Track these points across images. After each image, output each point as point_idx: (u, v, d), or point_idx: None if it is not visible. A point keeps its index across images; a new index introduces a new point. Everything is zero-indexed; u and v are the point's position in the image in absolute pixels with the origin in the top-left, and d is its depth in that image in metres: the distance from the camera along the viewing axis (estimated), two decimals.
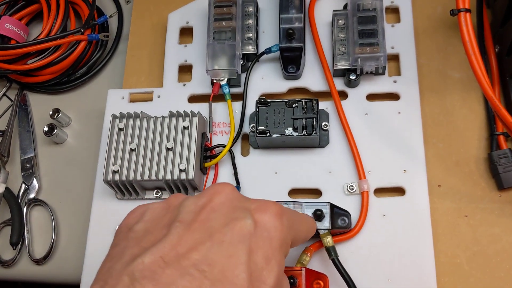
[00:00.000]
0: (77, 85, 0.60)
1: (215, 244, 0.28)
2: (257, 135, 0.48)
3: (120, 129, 0.49)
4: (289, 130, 0.48)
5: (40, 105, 0.61)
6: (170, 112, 0.49)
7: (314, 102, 0.48)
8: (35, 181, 0.57)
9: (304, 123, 0.48)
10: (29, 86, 0.61)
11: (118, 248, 0.30)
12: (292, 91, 0.53)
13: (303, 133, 0.47)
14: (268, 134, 0.48)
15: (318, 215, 0.44)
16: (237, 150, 0.51)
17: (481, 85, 0.41)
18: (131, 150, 0.48)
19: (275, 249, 0.30)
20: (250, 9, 0.54)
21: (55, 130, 0.56)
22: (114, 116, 0.49)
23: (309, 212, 0.44)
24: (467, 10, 0.42)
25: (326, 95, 0.52)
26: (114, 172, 0.48)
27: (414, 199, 0.47)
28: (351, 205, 0.47)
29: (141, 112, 0.50)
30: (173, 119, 0.49)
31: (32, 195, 0.56)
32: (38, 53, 0.58)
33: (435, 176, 0.49)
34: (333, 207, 0.45)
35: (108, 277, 0.27)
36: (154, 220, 0.31)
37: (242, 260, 0.28)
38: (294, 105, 0.48)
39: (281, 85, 0.53)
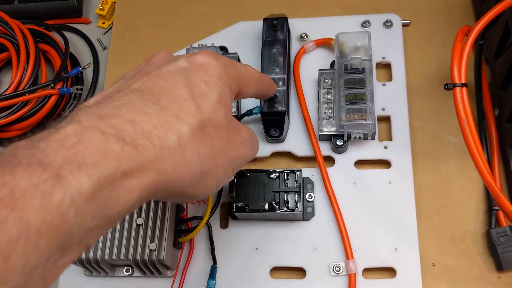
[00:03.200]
0: None
1: (152, 76, 0.29)
2: (235, 211, 0.44)
3: None
4: (270, 206, 0.44)
5: None
6: None
7: (297, 173, 0.44)
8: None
9: (286, 197, 0.44)
10: None
11: None
12: (275, 154, 0.50)
13: (285, 208, 0.44)
14: (247, 210, 0.44)
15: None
16: (215, 221, 0.47)
17: (478, 170, 0.37)
18: None
19: (214, 77, 0.31)
20: None
21: None
22: None
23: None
24: (463, 85, 0.38)
25: (311, 160, 0.49)
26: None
27: (406, 280, 0.43)
28: (337, 287, 0.43)
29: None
30: None
31: None
32: (6, 107, 0.54)
33: (429, 254, 0.45)
34: None
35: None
36: (103, 90, 0.31)
37: (181, 82, 0.29)
38: (275, 177, 0.45)
39: (263, 149, 0.49)
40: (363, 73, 0.47)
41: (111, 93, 0.28)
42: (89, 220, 0.23)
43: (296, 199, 0.44)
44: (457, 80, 0.39)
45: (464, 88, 0.39)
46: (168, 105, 0.28)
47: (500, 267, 0.43)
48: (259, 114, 0.48)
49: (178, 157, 0.27)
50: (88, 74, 0.59)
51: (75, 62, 0.59)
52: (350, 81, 0.47)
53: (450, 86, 0.39)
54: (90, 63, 0.59)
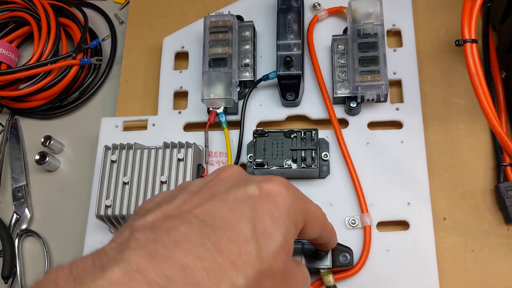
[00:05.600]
0: (69, 110, 0.59)
1: (218, 200, 0.27)
2: (255, 167, 0.46)
3: (112, 162, 0.47)
4: (288, 162, 0.46)
5: (32, 131, 0.59)
6: (165, 143, 0.47)
7: (314, 132, 0.46)
8: (26, 211, 0.55)
9: (303, 154, 0.46)
10: (21, 112, 0.59)
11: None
12: (291, 118, 0.52)
13: (302, 165, 0.46)
14: (266, 167, 0.46)
15: (318, 254, 0.42)
16: None
17: (489, 121, 0.39)
18: (124, 183, 0.47)
19: (282, 211, 0.28)
20: (247, 33, 0.52)
21: (47, 158, 0.54)
22: (106, 148, 0.48)
23: (309, 250, 0.42)
24: (473, 41, 0.40)
25: (326, 122, 0.51)
26: (107, 206, 0.46)
27: (418, 233, 0.45)
28: (353, 240, 0.45)
29: (135, 143, 0.48)
30: (168, 151, 0.47)
31: (24, 226, 0.54)
32: (29, 78, 0.56)
33: (440, 209, 0.47)
34: None
35: (115, 238, 0.26)
36: (164, 197, 0.30)
37: (246, 214, 0.27)
38: (292, 136, 0.47)
39: (279, 113, 0.51)
40: (375, 37, 0.49)
41: (171, 213, 0.26)
42: None
43: (313, 156, 0.46)
44: (467, 36, 0.41)
45: (474, 44, 0.41)
46: (227, 246, 0.25)
47: (508, 219, 0.45)
48: (275, 79, 0.50)
49: None
50: (107, 47, 0.61)
51: (93, 36, 0.61)
52: (363, 45, 0.49)
53: (461, 42, 0.41)
54: (108, 35, 0.61)
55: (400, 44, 0.52)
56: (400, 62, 0.51)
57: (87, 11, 0.62)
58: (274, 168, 0.46)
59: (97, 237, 0.49)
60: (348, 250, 0.43)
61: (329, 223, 0.36)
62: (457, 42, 0.41)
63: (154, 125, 0.52)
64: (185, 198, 0.28)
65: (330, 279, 0.42)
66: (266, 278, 0.26)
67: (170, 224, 0.25)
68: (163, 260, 0.23)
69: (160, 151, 0.47)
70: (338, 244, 0.43)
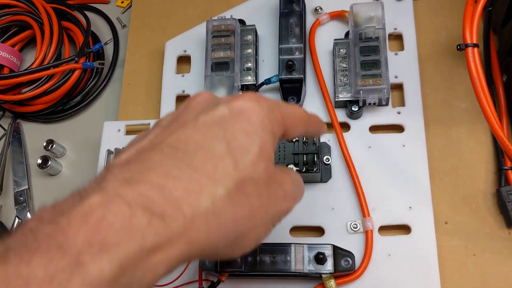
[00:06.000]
0: (71, 114, 0.59)
1: (188, 128, 0.27)
2: None
3: None
4: (290, 166, 0.46)
5: (34, 135, 0.59)
6: None
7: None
8: (28, 215, 0.55)
9: (305, 158, 0.46)
10: (23, 116, 0.59)
11: None
12: None
13: (304, 169, 0.46)
14: None
15: (320, 259, 0.42)
16: None
17: (491, 126, 0.39)
18: None
19: (255, 125, 0.28)
20: (249, 37, 0.52)
21: (49, 162, 0.55)
22: (109, 152, 0.48)
23: (311, 255, 0.42)
24: (475, 45, 0.41)
25: (328, 126, 0.50)
26: None
27: (420, 237, 0.45)
28: (354, 244, 0.45)
29: (137, 137, 0.48)
30: None
31: None
32: (31, 82, 0.57)
33: (442, 213, 0.47)
34: (335, 249, 0.43)
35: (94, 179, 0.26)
36: (138, 136, 0.30)
37: (218, 134, 0.27)
38: (294, 140, 0.47)
39: None
40: (377, 41, 0.49)
41: (144, 147, 0.27)
42: None
43: (314, 161, 0.46)
44: (469, 41, 0.41)
45: (475, 48, 0.41)
46: (203, 164, 0.25)
47: (510, 223, 0.45)
48: (277, 83, 0.50)
49: (211, 223, 0.25)
50: (109, 50, 0.61)
51: (96, 40, 0.61)
52: (365, 49, 0.49)
53: (462, 47, 0.41)
54: (111, 38, 0.61)
55: (401, 47, 0.52)
56: (402, 65, 0.51)
57: (90, 14, 0.63)
58: None
59: None
60: (349, 254, 0.43)
61: (312, 115, 0.35)
62: (458, 47, 0.41)
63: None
64: (157, 133, 0.28)
65: (332, 284, 0.42)
66: (248, 185, 0.26)
67: (143, 156, 0.26)
68: (140, 183, 0.24)
69: None
70: (340, 248, 0.43)
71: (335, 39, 0.51)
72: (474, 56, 0.40)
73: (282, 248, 0.43)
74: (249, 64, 0.52)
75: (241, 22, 0.54)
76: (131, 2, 0.62)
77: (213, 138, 0.27)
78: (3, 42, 0.60)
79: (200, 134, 0.27)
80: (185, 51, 0.56)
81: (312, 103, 0.51)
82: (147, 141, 0.27)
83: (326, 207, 0.47)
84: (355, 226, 0.46)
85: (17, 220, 0.55)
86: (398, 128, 0.50)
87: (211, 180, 0.25)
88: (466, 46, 0.41)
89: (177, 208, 0.24)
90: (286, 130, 0.31)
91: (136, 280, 0.23)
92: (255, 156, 0.27)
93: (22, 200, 0.55)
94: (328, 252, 0.42)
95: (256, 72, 0.52)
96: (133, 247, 0.22)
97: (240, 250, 0.28)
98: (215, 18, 0.52)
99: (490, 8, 0.47)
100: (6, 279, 0.20)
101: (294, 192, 0.31)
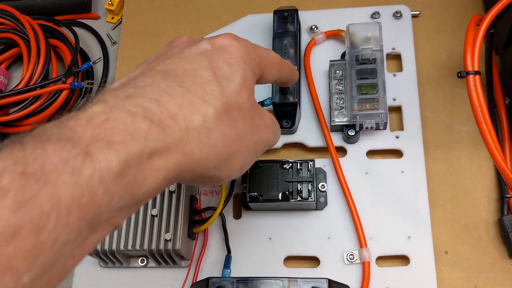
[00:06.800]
0: None
1: (175, 58, 0.30)
2: (248, 201, 0.44)
3: None
4: (284, 195, 0.44)
5: None
6: None
7: (310, 163, 0.45)
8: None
9: (299, 187, 0.44)
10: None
11: None
12: (287, 145, 0.50)
13: (298, 198, 0.44)
14: (260, 200, 0.44)
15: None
16: (228, 211, 0.48)
17: (493, 157, 0.38)
18: None
19: (237, 59, 0.31)
20: None
21: None
22: None
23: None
24: (476, 73, 0.39)
25: (323, 150, 0.49)
26: None
27: (419, 268, 0.44)
28: (351, 275, 0.44)
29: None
30: None
31: None
32: (18, 102, 0.55)
33: (442, 242, 0.45)
34: (331, 283, 0.41)
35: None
36: (127, 73, 0.31)
37: (204, 64, 0.29)
38: (288, 167, 0.45)
39: None
40: (374, 63, 0.47)
41: (135, 75, 0.29)
42: (117, 199, 0.23)
43: (309, 189, 0.44)
44: (470, 68, 0.39)
45: (477, 76, 0.39)
46: (192, 86, 0.28)
47: None
48: (271, 106, 0.49)
49: (203, 139, 0.27)
50: (98, 68, 0.59)
51: (85, 57, 0.59)
52: (362, 71, 0.47)
53: (463, 74, 0.39)
54: (100, 57, 0.59)
55: (400, 68, 0.51)
56: (400, 87, 0.49)
57: (79, 30, 0.61)
58: (268, 203, 0.44)
59: (86, 272, 0.47)
60: (345, 287, 0.42)
61: (285, 61, 0.38)
62: (459, 74, 0.39)
63: None
64: (145, 66, 0.30)
65: None
66: (233, 110, 0.29)
67: (136, 80, 0.27)
68: (137, 96, 0.25)
69: None
70: (335, 282, 0.41)
71: (330, 61, 0.49)
72: (475, 84, 0.39)
73: (274, 282, 0.41)
74: None
75: None
76: (121, 18, 0.60)
77: (199, 66, 0.29)
78: None
79: (187, 63, 0.29)
80: None
81: (308, 126, 0.49)
82: (137, 72, 0.29)
83: (322, 236, 0.46)
84: (351, 257, 0.44)
85: None
86: (397, 153, 0.48)
87: (201, 99, 0.27)
88: (467, 73, 0.39)
89: (173, 120, 0.25)
90: (263, 72, 0.34)
91: (138, 180, 0.24)
92: (239, 85, 0.30)
93: None
94: (324, 286, 0.41)
95: None
96: (137, 147, 0.23)
97: (227, 172, 0.30)
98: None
99: (492, 31, 0.45)
100: (23, 161, 0.20)
101: (273, 126, 0.35)
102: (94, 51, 0.61)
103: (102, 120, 0.23)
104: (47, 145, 0.21)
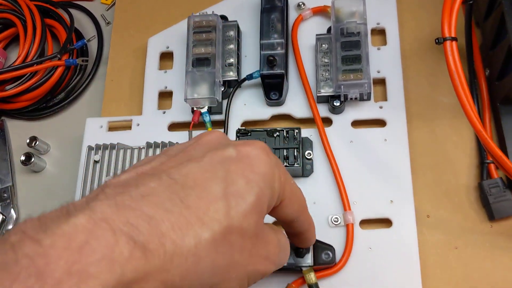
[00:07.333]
0: (55, 111, 0.58)
1: (192, 162, 0.27)
2: None
3: (95, 162, 0.47)
4: None
5: (18, 132, 0.59)
6: (147, 143, 0.47)
7: (296, 131, 0.46)
8: (12, 212, 0.55)
9: (286, 153, 0.46)
10: (7, 113, 0.59)
11: None
12: (275, 117, 0.52)
13: (285, 164, 0.46)
14: None
15: (299, 252, 0.42)
16: None
17: (469, 119, 0.39)
18: None
19: (258, 174, 0.27)
20: (231, 33, 0.52)
21: (33, 159, 0.54)
22: (89, 148, 0.48)
23: (291, 248, 0.42)
24: (453, 39, 0.41)
25: (310, 121, 0.51)
26: None
27: (401, 230, 0.45)
28: (336, 238, 0.45)
29: (118, 143, 0.48)
30: (151, 150, 0.47)
31: (9, 226, 0.54)
32: (15, 79, 0.56)
33: (424, 206, 0.47)
34: (315, 242, 0.43)
35: (87, 195, 0.26)
36: (143, 160, 0.30)
37: (219, 175, 0.26)
38: (275, 135, 0.47)
39: (263, 112, 0.51)
40: (358, 36, 0.49)
41: (144, 171, 0.27)
42: None
43: (295, 155, 0.46)
44: (447, 34, 0.41)
45: (454, 42, 0.41)
46: (196, 202, 0.25)
47: (492, 216, 0.45)
48: (259, 78, 0.50)
49: (189, 266, 0.24)
50: (93, 47, 0.61)
51: (80, 37, 0.61)
52: (346, 44, 0.49)
53: (440, 40, 0.41)
54: (94, 35, 0.61)
55: (384, 42, 0.52)
56: (384, 60, 0.51)
57: (74, 11, 0.62)
58: None
59: None
60: (330, 248, 0.43)
61: (309, 213, 0.35)
62: (437, 40, 0.41)
63: (138, 125, 0.52)
64: (162, 161, 0.28)
65: (311, 277, 0.42)
66: (234, 235, 0.26)
67: (141, 180, 0.25)
68: (129, 210, 0.23)
69: (143, 151, 0.47)
70: (320, 242, 0.43)
71: (317, 34, 0.51)
72: (452, 50, 0.40)
73: None
74: (231, 60, 0.51)
75: (224, 18, 0.54)
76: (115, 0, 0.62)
77: (213, 178, 0.26)
78: None
79: (202, 172, 0.26)
80: (167, 48, 0.56)
81: (295, 98, 0.51)
82: (149, 167, 0.27)
83: (308, 201, 0.46)
84: (336, 219, 0.46)
85: (1, 216, 0.54)
86: (380, 123, 0.50)
87: (199, 220, 0.25)
88: (445, 39, 0.41)
89: (160, 243, 0.23)
90: (284, 198, 0.30)
91: None
92: (249, 206, 0.26)
93: (6, 197, 0.55)
94: None
95: (238, 68, 0.52)
96: (112, 280, 0.22)
97: None
98: (197, 14, 0.52)
99: (471, 2, 0.47)
100: None
101: (277, 257, 0.30)
102: (88, 31, 0.62)
103: (81, 242, 0.22)
104: (13, 285, 0.20)
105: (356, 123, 0.50)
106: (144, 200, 0.24)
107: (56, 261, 0.21)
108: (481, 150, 0.47)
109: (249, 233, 0.27)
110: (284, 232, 0.35)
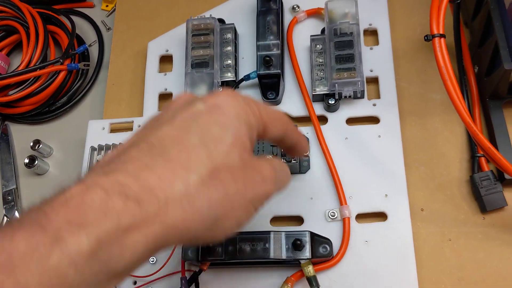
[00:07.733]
0: (58, 115, 0.60)
1: (165, 125, 0.29)
2: None
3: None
4: (268, 157, 0.47)
5: (22, 136, 0.60)
6: None
7: None
8: (17, 214, 0.56)
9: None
10: (10, 117, 0.61)
11: None
12: None
13: (283, 161, 0.47)
14: None
15: (297, 245, 0.43)
16: None
17: (458, 111, 0.41)
18: None
19: (229, 117, 0.29)
20: (229, 35, 0.54)
21: (36, 162, 0.56)
22: (92, 149, 0.49)
23: (289, 241, 0.44)
24: (442, 36, 0.42)
25: (306, 120, 0.52)
26: None
27: (396, 224, 0.47)
28: (333, 232, 0.47)
29: (120, 143, 0.49)
30: None
31: None
32: (18, 84, 0.58)
33: (418, 200, 0.48)
34: (313, 235, 0.44)
35: None
36: (124, 141, 0.31)
37: (193, 128, 0.28)
38: None
39: None
40: (351, 36, 0.50)
41: (123, 148, 0.29)
42: (92, 276, 0.23)
43: None
44: (435, 31, 0.42)
45: (442, 39, 0.42)
46: (176, 155, 0.27)
47: (484, 209, 0.47)
48: (256, 79, 0.52)
49: (185, 207, 0.26)
50: (94, 52, 0.63)
51: (81, 42, 0.62)
52: (340, 43, 0.50)
53: (429, 37, 0.43)
54: (95, 40, 0.62)
55: (376, 42, 0.54)
56: (377, 59, 0.53)
57: (75, 18, 0.64)
58: None
59: None
60: (327, 241, 0.45)
61: (293, 123, 0.36)
62: (426, 37, 0.43)
63: (139, 126, 0.54)
64: (138, 134, 0.30)
65: (310, 269, 0.43)
66: (222, 172, 0.28)
67: (122, 152, 0.28)
68: (116, 172, 0.26)
69: None
70: (318, 235, 0.44)
71: (311, 35, 0.53)
72: (441, 46, 0.42)
73: (261, 236, 0.44)
74: (229, 61, 0.53)
75: (221, 21, 0.55)
76: (116, 6, 0.63)
77: (188, 132, 0.28)
78: None
79: (176, 130, 0.28)
80: (167, 51, 0.57)
81: (291, 97, 0.53)
82: (129, 142, 0.29)
83: (305, 197, 0.49)
84: (332, 214, 0.47)
85: (5, 219, 0.56)
86: (374, 120, 0.51)
87: (184, 168, 0.27)
88: (433, 36, 0.42)
89: (151, 193, 0.25)
90: (265, 125, 0.32)
91: (114, 256, 0.24)
92: (229, 145, 0.28)
93: (10, 199, 0.57)
94: (306, 238, 0.44)
95: (236, 69, 0.53)
96: (110, 225, 0.24)
97: (222, 232, 0.29)
98: (195, 18, 0.54)
99: (458, 1, 0.48)
100: None
101: (274, 177, 0.32)
102: (90, 36, 0.64)
103: (76, 202, 0.24)
104: (16, 233, 0.22)
105: (351, 121, 0.51)
106: (128, 163, 0.26)
107: (56, 216, 0.23)
108: (472, 144, 0.49)
109: (236, 166, 0.28)
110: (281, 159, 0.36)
